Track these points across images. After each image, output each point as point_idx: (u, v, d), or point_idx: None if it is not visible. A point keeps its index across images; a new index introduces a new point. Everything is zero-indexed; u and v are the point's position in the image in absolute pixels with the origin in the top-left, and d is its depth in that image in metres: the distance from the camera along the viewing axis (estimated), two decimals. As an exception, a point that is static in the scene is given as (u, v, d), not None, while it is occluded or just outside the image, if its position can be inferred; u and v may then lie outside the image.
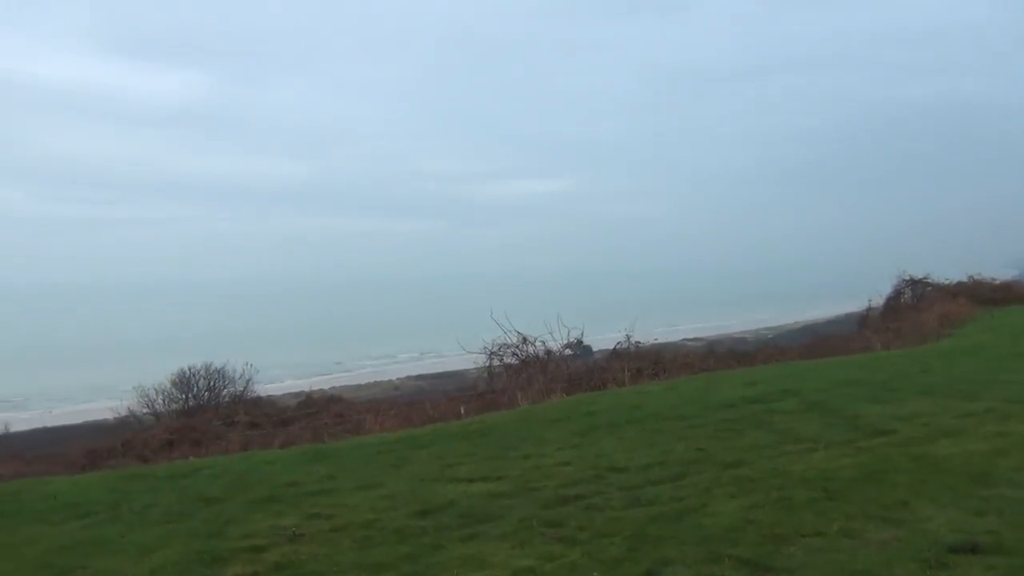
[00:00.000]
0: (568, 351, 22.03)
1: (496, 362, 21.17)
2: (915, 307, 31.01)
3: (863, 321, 32.86)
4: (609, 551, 5.46)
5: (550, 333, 21.47)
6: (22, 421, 31.59)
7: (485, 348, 21.25)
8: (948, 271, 35.26)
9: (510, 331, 21.02)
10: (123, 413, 22.19)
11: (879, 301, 33.87)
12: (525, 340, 21.06)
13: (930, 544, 5.10)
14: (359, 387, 37.59)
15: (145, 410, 22.32)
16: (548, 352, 20.99)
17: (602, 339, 24.42)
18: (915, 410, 9.75)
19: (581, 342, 23.03)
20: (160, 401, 22.56)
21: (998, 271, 36.59)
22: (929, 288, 33.52)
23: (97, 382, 44.34)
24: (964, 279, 34.66)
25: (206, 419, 19.68)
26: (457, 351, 24.19)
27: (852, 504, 6.10)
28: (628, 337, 22.93)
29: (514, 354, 21.00)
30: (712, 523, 5.89)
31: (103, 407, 25.78)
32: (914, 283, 33.89)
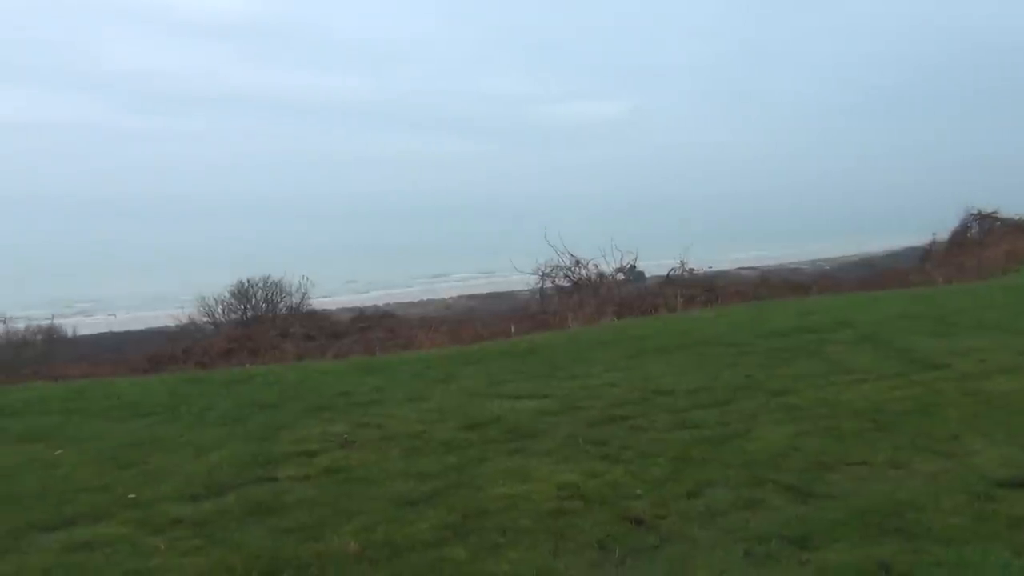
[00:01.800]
0: (621, 276, 22.00)
1: (548, 284, 21.26)
2: (981, 243, 30.14)
3: (926, 255, 32.05)
4: (652, 471, 5.51)
5: (603, 257, 21.46)
6: (88, 325, 32.70)
7: (538, 270, 21.33)
8: (1020, 206, 34.05)
9: (563, 253, 21.03)
10: (184, 321, 22.86)
11: (944, 235, 32.92)
12: (578, 263, 21.09)
13: (979, 478, 5.04)
14: (411, 304, 37.99)
15: (205, 319, 22.96)
16: (600, 276, 21.01)
17: (655, 265, 24.26)
18: (972, 345, 9.56)
19: (634, 267, 22.98)
20: (219, 311, 23.17)
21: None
22: (998, 223, 32.48)
23: (159, 291, 45.56)
24: (1035, 215, 33.49)
25: (263, 329, 20.19)
26: (510, 272, 24.29)
27: (901, 436, 6.05)
28: (682, 264, 22.79)
29: (566, 276, 21.07)
30: (757, 448, 5.90)
31: (165, 315, 26.54)
32: (982, 218, 32.85)
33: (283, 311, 23.47)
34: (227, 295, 23.52)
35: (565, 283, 21.10)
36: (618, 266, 21.78)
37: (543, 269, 21.20)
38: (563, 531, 4.52)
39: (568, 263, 21.06)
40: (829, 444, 5.91)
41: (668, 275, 22.76)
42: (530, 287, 22.18)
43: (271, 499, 5.24)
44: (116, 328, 29.59)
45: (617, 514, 4.73)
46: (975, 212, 33.02)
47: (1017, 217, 33.08)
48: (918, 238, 35.41)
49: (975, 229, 32.73)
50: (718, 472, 5.40)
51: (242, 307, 23.42)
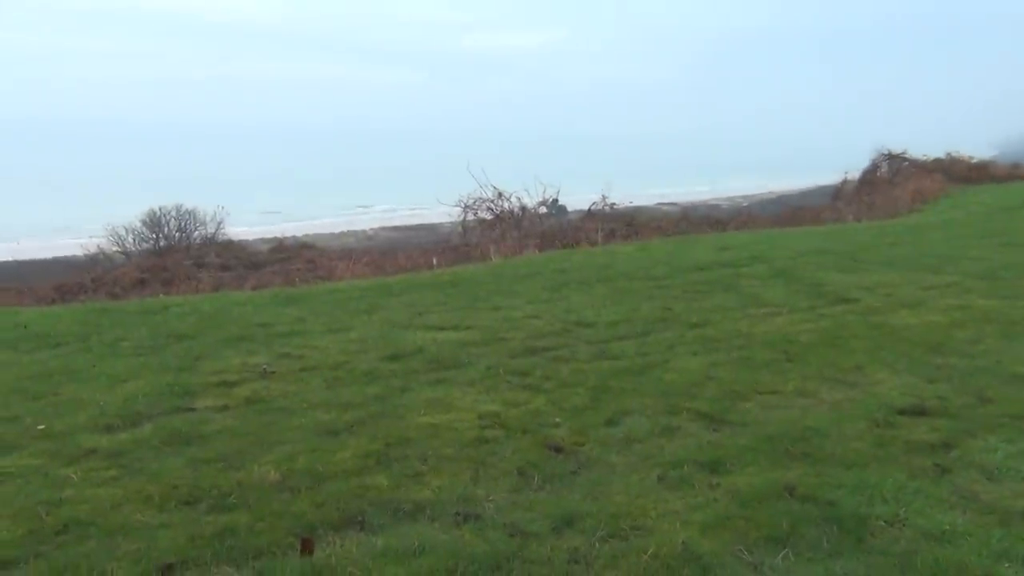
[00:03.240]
0: (543, 209, 22.06)
1: (471, 216, 21.17)
2: (890, 182, 31.17)
3: (837, 193, 33.03)
4: (572, 400, 5.62)
5: (526, 190, 21.44)
6: (-12, 254, 31.15)
7: (460, 202, 21.19)
8: (929, 147, 35.25)
9: (486, 186, 20.94)
10: (93, 250, 22.01)
11: (855, 174, 33.94)
12: (501, 195, 21.02)
13: (880, 405, 5.31)
14: (332, 236, 37.36)
15: (115, 248, 22.16)
16: (523, 209, 21.03)
17: (578, 199, 24.39)
18: (879, 280, 9.97)
19: (556, 201, 23.05)
20: (130, 240, 22.38)
21: (979, 150, 36.62)
22: (906, 163, 33.60)
23: (64, 219, 43.70)
24: (942, 156, 34.74)
25: (177, 259, 19.65)
26: (433, 205, 24.07)
27: (809, 366, 6.30)
28: (603, 198, 22.99)
29: (489, 209, 21.01)
30: (673, 378, 6.07)
31: (72, 243, 25.47)
32: (891, 157, 33.92)
33: (197, 241, 22.84)
34: (138, 224, 22.73)
35: (488, 216, 21.06)
36: (540, 199, 21.82)
37: (466, 201, 21.08)
38: (484, 459, 4.59)
39: (491, 196, 21.00)
40: (742, 374, 6.12)
41: (590, 209, 22.95)
42: (453, 220, 22.07)
43: (189, 429, 5.17)
44: (19, 257, 28.27)
45: (537, 442, 4.82)
46: (885, 152, 34.07)
47: (924, 157, 34.24)
48: (831, 177, 36.37)
49: (884, 169, 33.80)
50: (636, 401, 5.54)
51: (154, 236, 22.68)
